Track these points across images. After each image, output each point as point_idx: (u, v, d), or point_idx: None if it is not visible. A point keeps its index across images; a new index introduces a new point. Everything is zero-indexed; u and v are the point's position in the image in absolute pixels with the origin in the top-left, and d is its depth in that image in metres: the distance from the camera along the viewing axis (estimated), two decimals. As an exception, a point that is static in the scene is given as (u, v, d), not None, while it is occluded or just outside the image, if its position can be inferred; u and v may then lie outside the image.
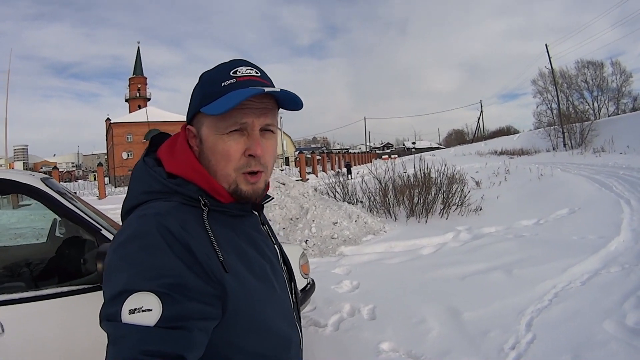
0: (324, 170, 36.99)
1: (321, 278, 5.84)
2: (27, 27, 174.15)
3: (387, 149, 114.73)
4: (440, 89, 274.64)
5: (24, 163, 71.61)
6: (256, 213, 1.13)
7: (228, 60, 1.03)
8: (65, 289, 2.46)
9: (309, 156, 40.56)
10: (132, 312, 0.78)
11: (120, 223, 1.06)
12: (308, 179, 27.61)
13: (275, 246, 1.18)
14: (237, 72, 0.99)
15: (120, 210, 1.09)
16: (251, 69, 1.01)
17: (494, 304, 4.55)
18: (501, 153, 36.84)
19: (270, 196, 1.18)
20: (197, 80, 1.04)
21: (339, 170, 31.11)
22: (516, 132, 64.82)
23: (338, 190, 12.00)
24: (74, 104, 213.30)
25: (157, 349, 0.75)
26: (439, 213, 10.12)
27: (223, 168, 0.98)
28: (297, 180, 13.69)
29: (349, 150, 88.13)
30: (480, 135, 70.25)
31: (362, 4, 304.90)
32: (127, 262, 0.84)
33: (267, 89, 0.95)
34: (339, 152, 59.53)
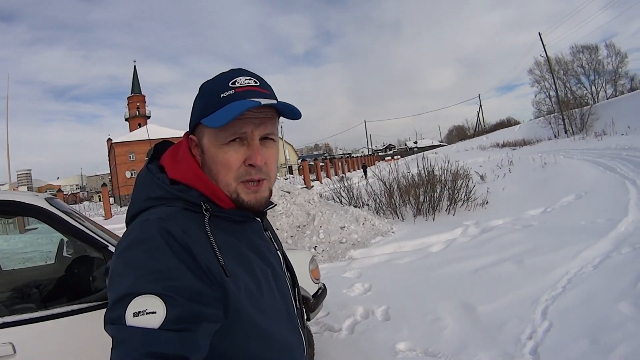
0: (327, 176, 36.93)
1: (332, 283, 5.83)
2: (25, 52, 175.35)
3: (389, 150, 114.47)
4: (439, 87, 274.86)
5: (27, 187, 71.88)
6: (258, 219, 1.13)
7: (227, 70, 1.04)
8: (75, 307, 2.46)
9: (312, 163, 40.57)
10: (136, 314, 0.78)
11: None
12: (313, 186, 27.57)
13: (278, 252, 1.18)
14: (236, 83, 0.99)
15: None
16: (250, 79, 1.01)
17: (508, 295, 4.54)
18: (503, 145, 36.68)
19: (273, 203, 1.17)
20: (198, 91, 1.05)
21: (343, 175, 31.12)
22: (517, 123, 64.48)
23: (343, 194, 12.00)
24: (76, 126, 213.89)
25: (162, 351, 0.76)
26: (446, 210, 10.12)
27: (224, 177, 0.99)
28: (301, 187, 13.68)
29: (352, 155, 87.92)
30: (481, 130, 70.02)
31: (354, 8, 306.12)
32: (130, 266, 0.84)
33: (263, 102, 0.96)
34: (341, 157, 59.47)
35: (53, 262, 3.87)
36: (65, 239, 3.52)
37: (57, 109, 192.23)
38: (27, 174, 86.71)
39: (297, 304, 1.20)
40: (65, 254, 3.63)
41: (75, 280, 2.91)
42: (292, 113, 1.02)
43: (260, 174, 1.00)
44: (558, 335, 3.59)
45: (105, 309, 0.83)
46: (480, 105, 73.08)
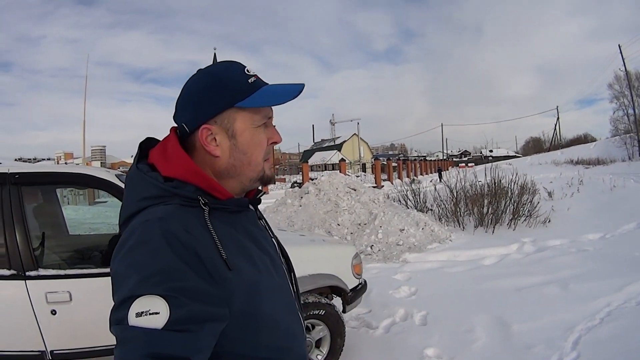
0: (399, 177, 36.66)
1: (381, 282, 6.20)
2: (104, 34, 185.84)
3: (464, 156, 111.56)
4: (517, 95, 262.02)
5: (101, 163, 75.09)
6: (253, 208, 1.18)
7: (222, 61, 1.10)
8: None
9: (385, 163, 40.37)
10: (139, 315, 0.79)
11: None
12: (383, 186, 27.44)
13: (273, 239, 1.23)
14: (249, 71, 1.07)
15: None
16: (250, 70, 1.08)
17: (544, 318, 4.64)
18: (577, 162, 34.90)
19: (262, 190, 1.24)
20: (203, 82, 1.05)
21: (414, 178, 30.87)
22: (593, 140, 61.10)
23: (410, 197, 12.05)
24: (152, 107, 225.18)
25: (164, 351, 0.78)
26: (507, 224, 10.03)
27: (257, 157, 1.07)
28: (371, 187, 13.87)
29: (426, 158, 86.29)
30: (557, 144, 66.86)
31: (436, 8, 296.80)
32: (133, 268, 0.85)
33: (299, 87, 1.06)
34: (415, 160, 58.70)
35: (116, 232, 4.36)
36: None
37: (134, 90, 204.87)
38: (101, 149, 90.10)
39: (295, 288, 1.25)
40: None
41: None
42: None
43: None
44: (583, 367, 3.68)
45: None
46: (558, 118, 69.62)
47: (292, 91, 1.05)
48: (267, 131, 1.08)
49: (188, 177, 1.01)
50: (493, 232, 9.80)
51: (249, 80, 1.04)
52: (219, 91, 1.03)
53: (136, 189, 1.03)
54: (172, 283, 0.83)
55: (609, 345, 3.96)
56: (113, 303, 0.85)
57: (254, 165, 1.06)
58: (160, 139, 1.12)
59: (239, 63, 1.08)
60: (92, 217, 10.20)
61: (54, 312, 2.81)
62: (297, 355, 1.11)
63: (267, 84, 1.08)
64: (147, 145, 1.13)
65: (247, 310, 0.95)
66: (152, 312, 0.80)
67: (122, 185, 3.12)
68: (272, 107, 1.09)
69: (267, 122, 1.08)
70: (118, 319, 0.82)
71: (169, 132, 1.11)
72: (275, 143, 1.11)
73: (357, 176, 33.67)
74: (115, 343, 0.82)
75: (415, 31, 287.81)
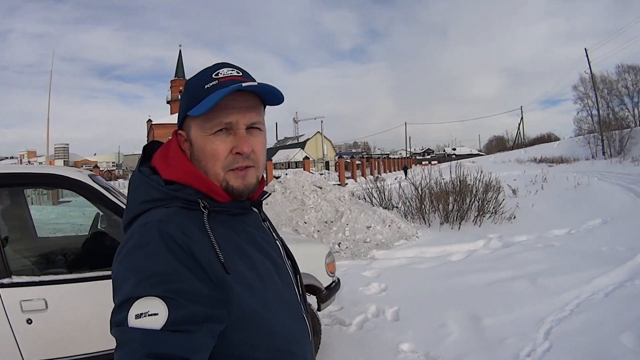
0: (363, 175, 36.81)
1: (350, 280, 6.10)
2: (70, 30, 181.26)
3: (428, 155, 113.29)
4: (482, 95, 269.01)
5: (64, 161, 74.01)
6: (256, 210, 1.16)
7: (211, 65, 1.07)
8: (99, 273, 2.82)
9: (349, 161, 40.44)
10: (138, 316, 0.80)
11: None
12: (347, 184, 27.50)
13: (277, 241, 1.21)
14: (219, 74, 1.03)
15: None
16: (232, 70, 1.05)
17: (515, 311, 4.67)
18: (540, 161, 35.93)
19: (267, 192, 1.20)
20: (184, 86, 1.09)
21: (378, 175, 31.00)
22: (557, 139, 62.98)
23: (375, 195, 12.12)
24: (116, 105, 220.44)
25: (163, 352, 0.78)
26: (473, 220, 10.18)
27: (212, 167, 1.02)
28: (335, 184, 13.86)
29: (389, 156, 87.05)
30: (521, 142, 68.60)
31: (402, 8, 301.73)
32: (132, 270, 0.86)
33: (244, 84, 0.99)
34: (378, 158, 59.08)
35: (86, 233, 4.17)
36: (101, 214, 3.81)
37: (99, 87, 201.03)
38: (64, 147, 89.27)
39: (300, 290, 1.22)
40: (99, 227, 3.91)
41: (108, 250, 3.22)
42: (275, 97, 1.06)
43: (248, 161, 1.03)
44: (556, 357, 3.71)
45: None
46: (522, 118, 71.55)
47: (221, 92, 0.98)
48: (229, 139, 1.02)
49: (188, 180, 1.02)
50: (459, 228, 9.93)
51: (206, 86, 1.01)
52: (183, 98, 1.06)
53: (138, 192, 1.05)
54: (170, 285, 0.84)
55: (579, 335, 4.03)
56: (113, 305, 0.86)
57: (211, 174, 1.03)
58: (163, 143, 1.14)
59: (218, 65, 1.07)
60: (56, 217, 9.99)
61: (29, 322, 2.65)
62: (300, 358, 1.08)
63: (234, 84, 1.00)
64: (151, 148, 1.15)
65: (246, 313, 0.94)
66: (151, 313, 0.80)
67: (96, 187, 3.00)
68: (245, 112, 1.03)
69: (231, 128, 1.02)
70: (118, 321, 0.82)
71: (170, 136, 1.13)
72: (240, 154, 1.02)
73: (321, 174, 33.50)
74: (113, 346, 0.82)
75: (380, 30, 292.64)
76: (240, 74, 1.06)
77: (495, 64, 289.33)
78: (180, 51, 73.68)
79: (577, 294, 5.08)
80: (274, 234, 1.21)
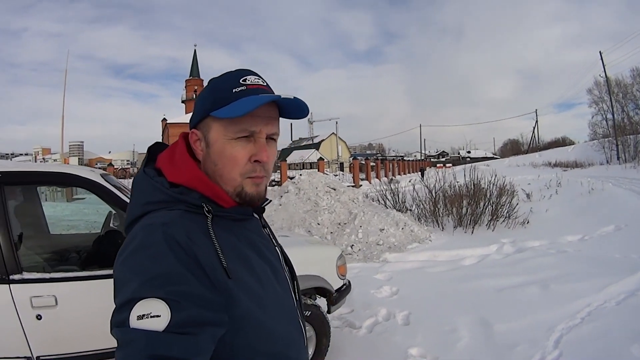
0: (377, 177, 36.64)
1: (362, 282, 6.16)
2: (86, 29, 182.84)
3: (442, 157, 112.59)
4: (497, 97, 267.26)
5: (79, 159, 74.50)
6: (257, 216, 1.16)
7: (234, 69, 1.07)
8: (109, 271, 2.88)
9: (363, 162, 40.33)
10: (140, 317, 0.80)
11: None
12: (361, 185, 27.42)
13: (277, 248, 1.22)
14: (247, 80, 1.02)
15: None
16: (259, 79, 1.05)
17: (526, 318, 4.68)
18: (555, 165, 35.52)
19: (268, 199, 1.19)
20: (206, 85, 1.08)
21: (393, 177, 30.92)
22: (571, 143, 62.20)
23: (389, 197, 12.06)
24: (132, 104, 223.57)
25: (165, 353, 0.78)
26: (486, 224, 10.12)
27: (229, 172, 1.02)
28: (349, 186, 13.86)
29: (404, 158, 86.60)
30: (535, 146, 67.84)
31: (417, 10, 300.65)
32: (135, 272, 0.86)
33: (283, 95, 0.99)
34: (393, 160, 58.87)
35: (99, 231, 4.25)
36: (113, 212, 3.89)
37: (114, 85, 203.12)
38: (79, 145, 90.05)
39: (297, 296, 1.24)
40: (112, 225, 4.00)
41: (113, 248, 3.30)
42: (301, 112, 1.07)
43: (263, 172, 1.04)
44: (566, 366, 3.71)
45: None
46: (537, 121, 70.74)
47: (259, 100, 0.98)
48: (249, 146, 1.02)
49: (194, 184, 1.02)
50: (472, 232, 9.88)
51: (234, 90, 1.01)
52: (205, 97, 1.04)
53: (142, 193, 1.05)
54: (173, 287, 0.84)
55: (589, 344, 4.02)
56: (114, 305, 0.86)
57: (226, 179, 1.03)
58: (169, 144, 1.14)
59: (244, 71, 1.06)
60: (70, 214, 10.09)
61: (39, 317, 2.71)
62: None
63: (270, 94, 1.02)
64: (156, 149, 1.15)
65: (246, 318, 0.94)
66: (153, 314, 0.80)
67: (107, 186, 3.07)
68: (267, 122, 1.03)
69: (252, 136, 1.02)
70: (119, 321, 0.82)
71: (178, 138, 1.12)
72: (259, 162, 1.03)
73: (335, 175, 33.52)
74: (115, 346, 0.82)
75: (396, 32, 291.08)
76: (265, 84, 1.06)
77: (510, 66, 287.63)
78: (195, 51, 73.80)
79: (589, 301, 5.06)
80: (273, 240, 1.23)
